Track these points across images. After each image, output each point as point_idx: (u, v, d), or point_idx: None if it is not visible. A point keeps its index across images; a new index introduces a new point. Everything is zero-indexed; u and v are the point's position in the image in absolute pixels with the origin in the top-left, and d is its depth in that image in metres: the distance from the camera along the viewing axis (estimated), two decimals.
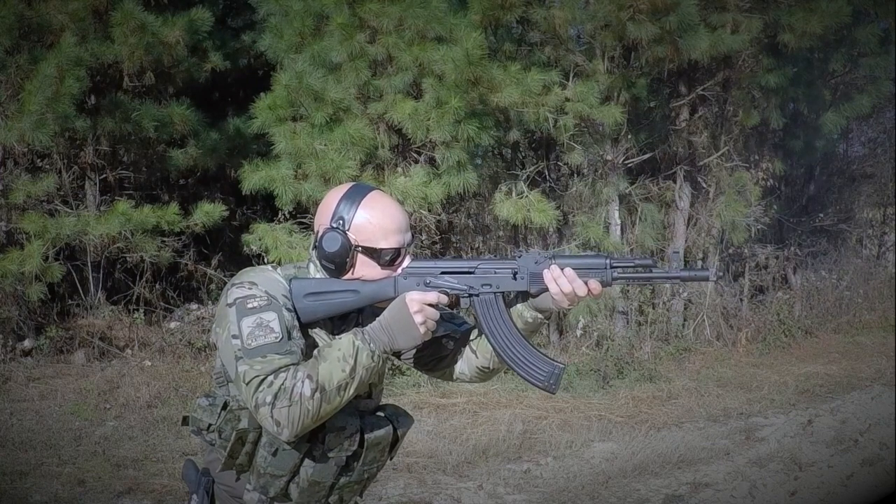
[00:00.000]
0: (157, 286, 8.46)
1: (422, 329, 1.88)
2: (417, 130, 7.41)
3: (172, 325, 8.06)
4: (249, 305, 1.85)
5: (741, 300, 10.17)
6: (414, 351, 2.10)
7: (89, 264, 8.17)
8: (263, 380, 1.78)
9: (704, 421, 6.86)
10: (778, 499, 5.14)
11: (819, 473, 5.54)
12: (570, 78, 8.39)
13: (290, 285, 1.94)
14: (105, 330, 7.93)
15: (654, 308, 9.17)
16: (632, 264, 1.90)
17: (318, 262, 1.97)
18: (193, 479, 2.02)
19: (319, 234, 1.94)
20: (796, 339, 9.86)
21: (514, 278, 1.96)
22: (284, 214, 7.80)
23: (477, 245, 9.37)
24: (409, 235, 1.97)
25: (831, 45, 10.40)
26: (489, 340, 1.95)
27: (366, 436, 1.98)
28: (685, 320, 9.61)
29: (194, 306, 8.34)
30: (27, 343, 7.50)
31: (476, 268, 1.98)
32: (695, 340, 9.36)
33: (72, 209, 8.02)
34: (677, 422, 6.81)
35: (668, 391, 7.63)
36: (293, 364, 1.82)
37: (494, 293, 1.94)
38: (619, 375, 7.91)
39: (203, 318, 7.97)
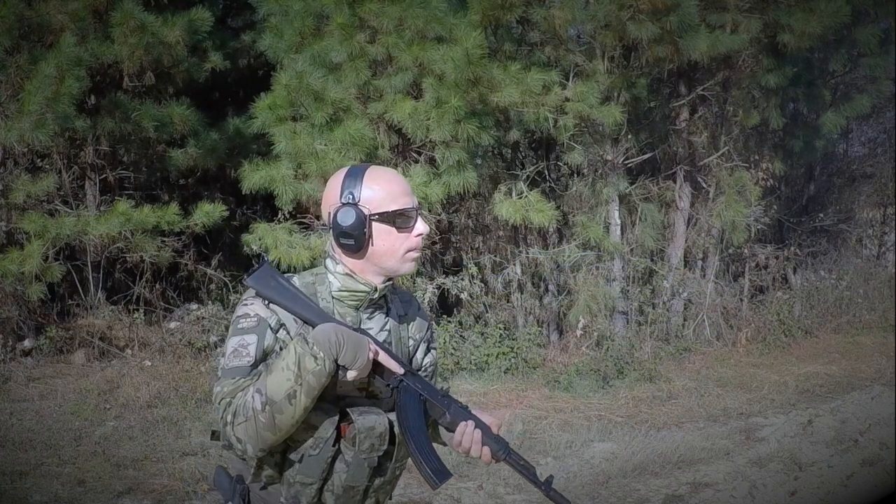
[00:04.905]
0: (157, 286, 8.46)
1: (371, 355, 1.88)
2: (417, 130, 7.41)
3: (172, 325, 8.05)
4: (239, 325, 1.90)
5: (741, 300, 10.18)
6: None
7: (89, 264, 8.18)
8: (226, 400, 1.84)
9: (704, 421, 6.86)
10: (778, 499, 5.13)
11: (819, 473, 5.54)
12: (570, 78, 8.40)
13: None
14: (105, 330, 7.93)
15: (654, 308, 9.17)
16: (522, 461, 1.97)
17: (335, 241, 1.97)
18: (227, 487, 2.00)
19: (332, 213, 1.96)
20: (796, 339, 9.87)
21: (441, 397, 2.00)
22: (284, 214, 7.80)
23: (477, 245, 9.37)
24: (415, 199, 2.01)
25: (831, 45, 10.40)
26: (399, 422, 1.97)
27: (396, 432, 1.98)
28: (685, 320, 9.61)
29: (194, 306, 8.33)
30: (27, 343, 7.50)
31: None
32: (695, 340, 9.36)
33: (72, 209, 8.02)
34: (677, 422, 6.81)
35: (668, 391, 7.63)
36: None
37: (420, 394, 1.97)
38: (619, 375, 7.91)
39: (203, 318, 7.96)
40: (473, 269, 8.66)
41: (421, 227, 1.98)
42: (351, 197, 1.93)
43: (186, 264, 8.75)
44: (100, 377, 6.97)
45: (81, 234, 7.44)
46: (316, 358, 1.80)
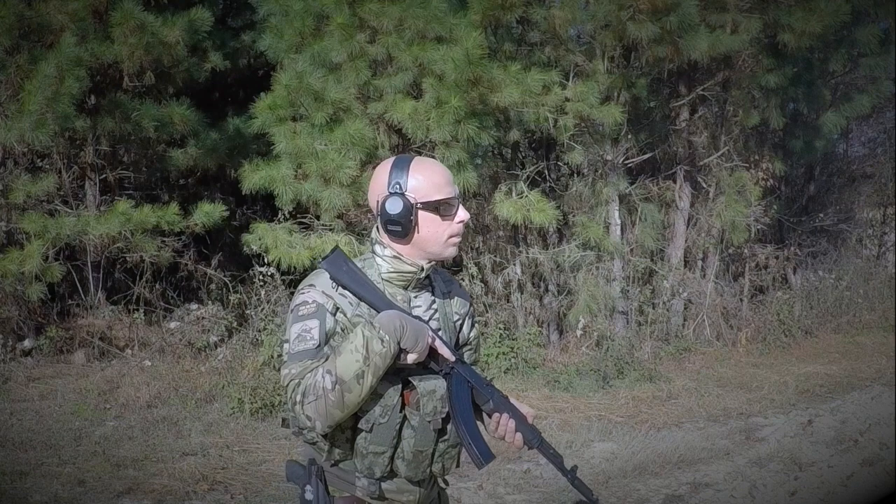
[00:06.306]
0: (157, 286, 8.46)
1: (428, 340, 2.03)
2: (417, 130, 7.41)
3: (172, 325, 8.06)
4: (300, 313, 2.03)
5: (741, 300, 10.17)
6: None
7: (89, 264, 8.17)
8: (294, 381, 1.96)
9: (704, 421, 6.86)
10: (778, 499, 5.14)
11: (819, 473, 5.54)
12: (570, 78, 8.39)
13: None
14: (105, 330, 7.93)
15: (654, 308, 9.17)
16: (552, 450, 2.14)
17: (383, 228, 2.09)
18: (301, 474, 2.11)
19: (380, 202, 2.08)
20: (796, 339, 9.86)
21: (486, 385, 2.15)
22: (284, 214, 7.79)
23: (477, 245, 9.37)
24: (456, 188, 2.14)
25: (831, 45, 10.39)
26: (450, 406, 2.11)
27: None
28: (685, 320, 9.61)
29: (194, 306, 8.33)
30: (27, 343, 7.50)
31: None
32: (695, 340, 9.36)
33: (72, 209, 8.02)
34: (677, 422, 6.81)
35: (668, 391, 7.63)
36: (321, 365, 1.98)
37: (468, 382, 2.13)
38: (619, 375, 7.91)
39: (203, 318, 7.96)
40: (473, 269, 8.65)
41: (462, 214, 2.13)
42: (398, 186, 2.07)
43: (186, 264, 8.75)
44: (100, 377, 6.97)
45: (81, 234, 7.44)
46: (382, 341, 1.94)
